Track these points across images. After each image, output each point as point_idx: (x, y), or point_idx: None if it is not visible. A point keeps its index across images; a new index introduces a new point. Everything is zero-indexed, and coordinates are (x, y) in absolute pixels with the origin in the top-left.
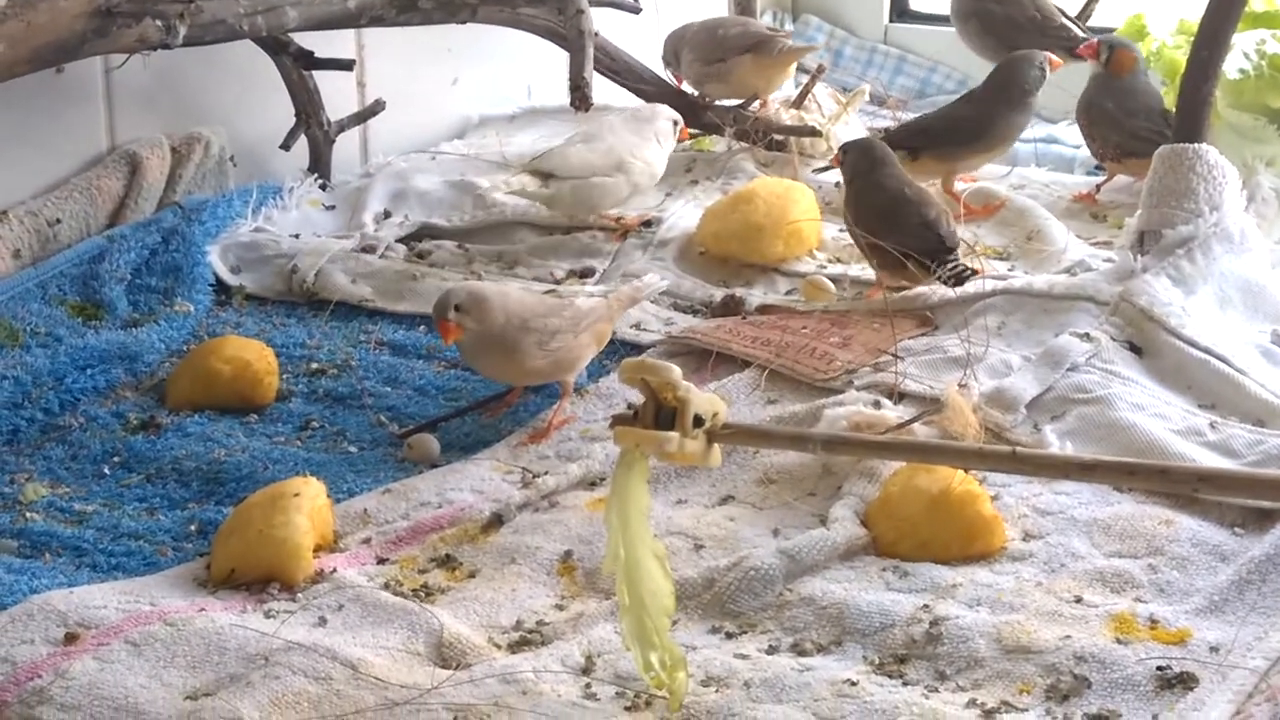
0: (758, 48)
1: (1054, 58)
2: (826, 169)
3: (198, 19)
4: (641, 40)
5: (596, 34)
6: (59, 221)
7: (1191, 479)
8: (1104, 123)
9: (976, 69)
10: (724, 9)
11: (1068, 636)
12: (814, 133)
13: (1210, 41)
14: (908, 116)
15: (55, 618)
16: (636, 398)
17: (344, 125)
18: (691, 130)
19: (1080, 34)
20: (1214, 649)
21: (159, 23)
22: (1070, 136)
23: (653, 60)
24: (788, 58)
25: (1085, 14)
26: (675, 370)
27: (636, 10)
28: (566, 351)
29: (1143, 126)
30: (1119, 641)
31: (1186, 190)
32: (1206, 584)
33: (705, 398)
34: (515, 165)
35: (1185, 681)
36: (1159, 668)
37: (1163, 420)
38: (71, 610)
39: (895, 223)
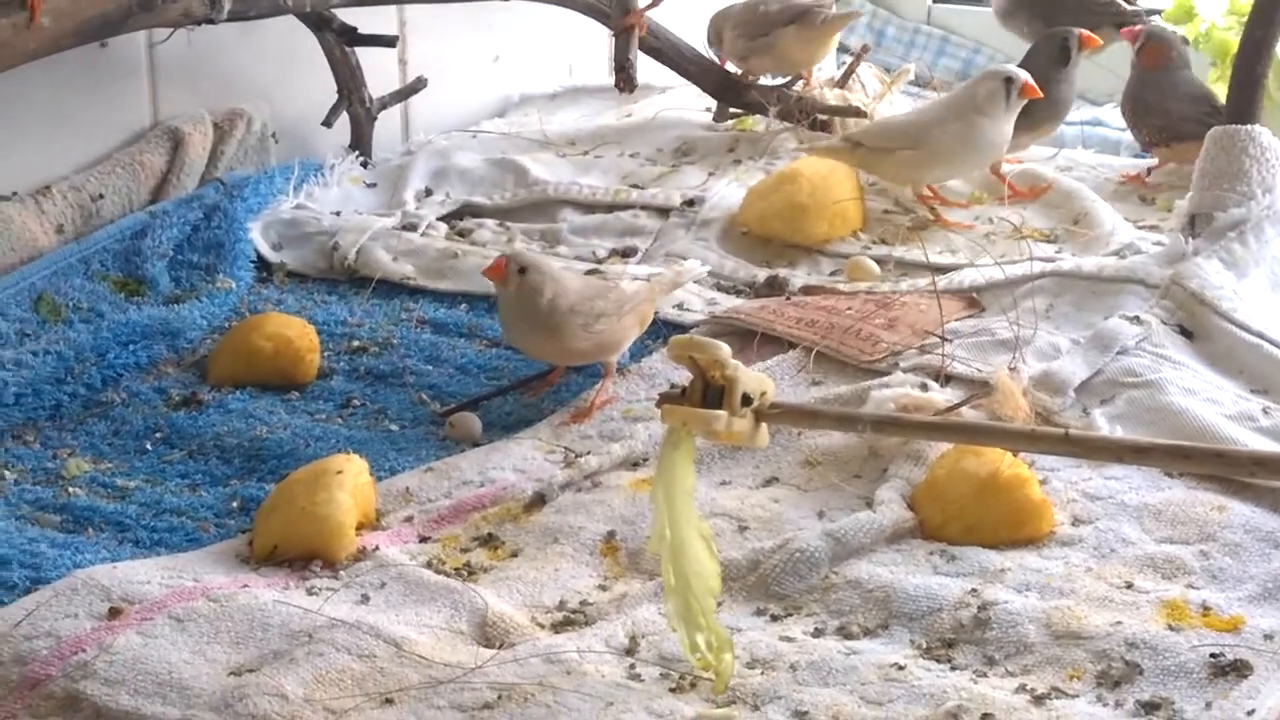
0: (801, 19)
1: (1089, 35)
2: None
3: None
4: (685, 18)
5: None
6: (102, 197)
7: (1247, 463)
8: (1147, 112)
9: (1020, 51)
10: None
11: (1119, 622)
12: (858, 113)
13: (1264, 21)
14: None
15: (99, 592)
16: (679, 378)
17: (386, 102)
18: (733, 109)
19: (1129, 8)
20: (1268, 637)
21: None
22: (1116, 119)
23: (697, 38)
24: (832, 27)
25: None
26: (724, 348)
27: None
28: (610, 334)
29: (1188, 110)
30: (1171, 628)
31: (1239, 172)
32: (1260, 571)
33: (754, 376)
34: (555, 143)
35: (1239, 669)
36: (1212, 655)
37: (1214, 405)
38: (115, 585)
39: None
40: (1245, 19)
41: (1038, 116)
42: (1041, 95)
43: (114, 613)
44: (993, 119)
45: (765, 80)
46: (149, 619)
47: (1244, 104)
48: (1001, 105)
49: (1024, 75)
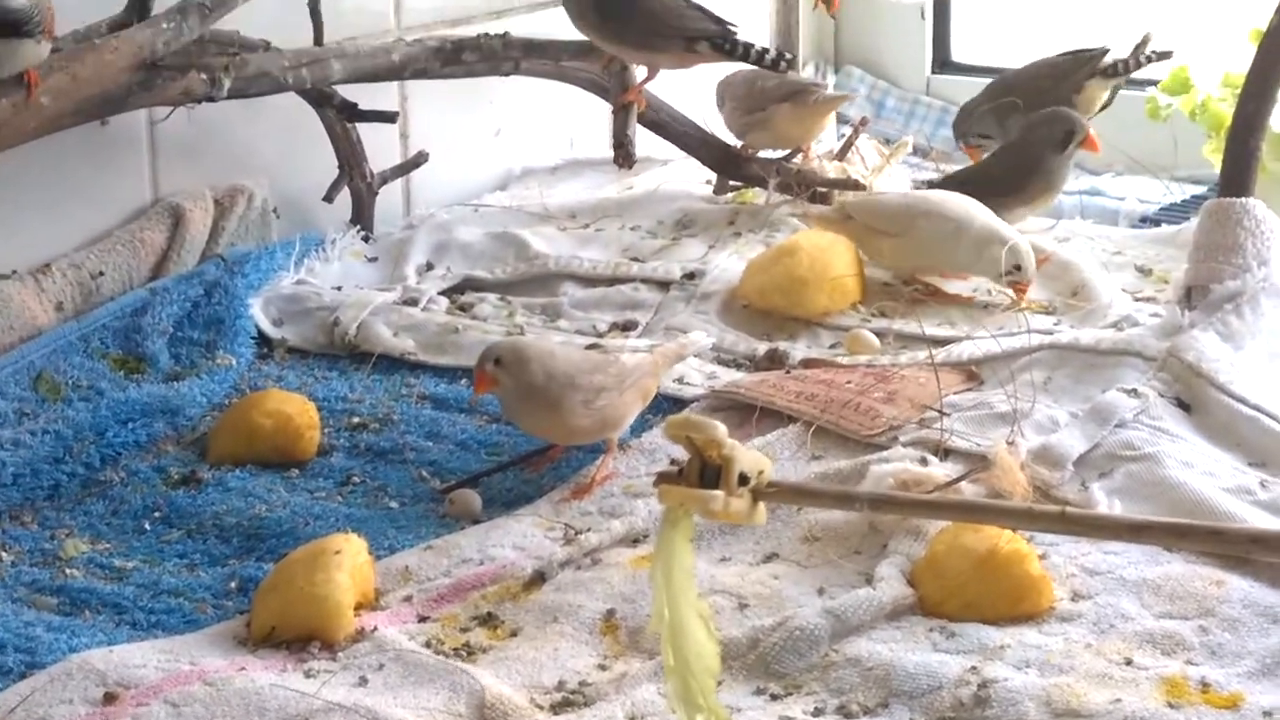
0: (795, 97)
1: (1094, 138)
2: None
3: (242, 71)
4: (686, 91)
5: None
6: (102, 274)
7: (1244, 541)
8: None
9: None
10: None
11: (1118, 700)
12: (857, 186)
13: (1257, 95)
14: (951, 168)
15: (95, 677)
16: (680, 453)
17: (387, 177)
18: (733, 182)
19: (1100, 49)
20: (1267, 714)
21: (204, 76)
22: (1114, 188)
23: (697, 112)
24: (825, 107)
25: (1135, 60)
26: (720, 428)
27: None
28: (612, 409)
29: None
30: (1170, 705)
31: (1234, 245)
32: (1259, 646)
33: (751, 455)
34: (556, 216)
35: None
36: None
37: (1212, 478)
38: (111, 669)
39: None
40: (1239, 92)
41: (1031, 191)
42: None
43: (109, 698)
44: (983, 268)
45: (764, 153)
46: (145, 704)
47: (1238, 176)
48: (997, 273)
49: (1030, 276)
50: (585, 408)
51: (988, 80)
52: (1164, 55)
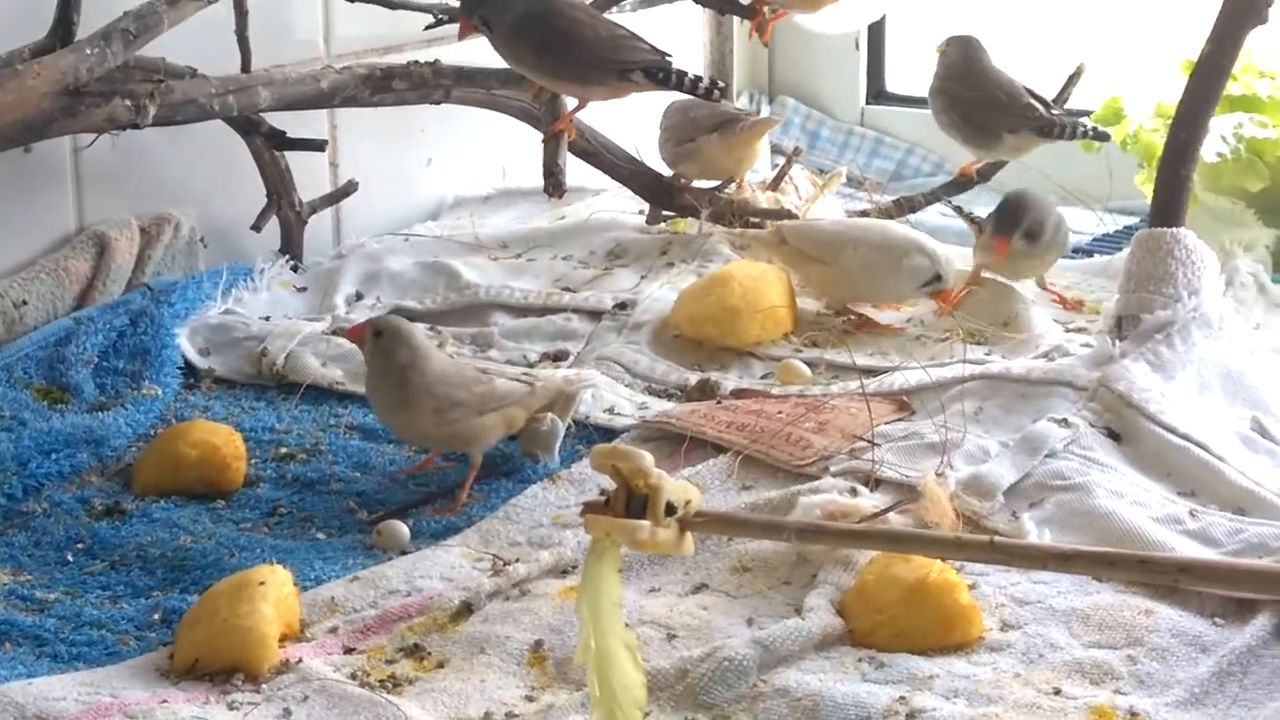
0: (723, 126)
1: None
2: None
3: (168, 98)
4: (618, 120)
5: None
6: (25, 303)
7: (1172, 569)
8: None
9: (954, 152)
10: None
11: None
12: (790, 215)
13: (1188, 124)
14: (884, 199)
15: (13, 710)
16: (610, 483)
17: (316, 206)
18: (666, 212)
19: (1049, 115)
20: None
21: (128, 102)
22: None
23: (628, 141)
24: (752, 134)
25: (1064, 96)
26: (647, 457)
27: None
28: (465, 427)
29: None
30: None
31: (1165, 275)
32: (1187, 675)
33: (678, 485)
34: (488, 246)
35: None
36: None
37: (1142, 508)
38: (30, 702)
39: None
40: (1170, 122)
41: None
42: (949, 313)
43: None
44: (903, 284)
45: (698, 183)
46: None
47: (1170, 206)
48: (916, 284)
49: (950, 283)
50: (435, 415)
51: (922, 111)
52: (1101, 135)
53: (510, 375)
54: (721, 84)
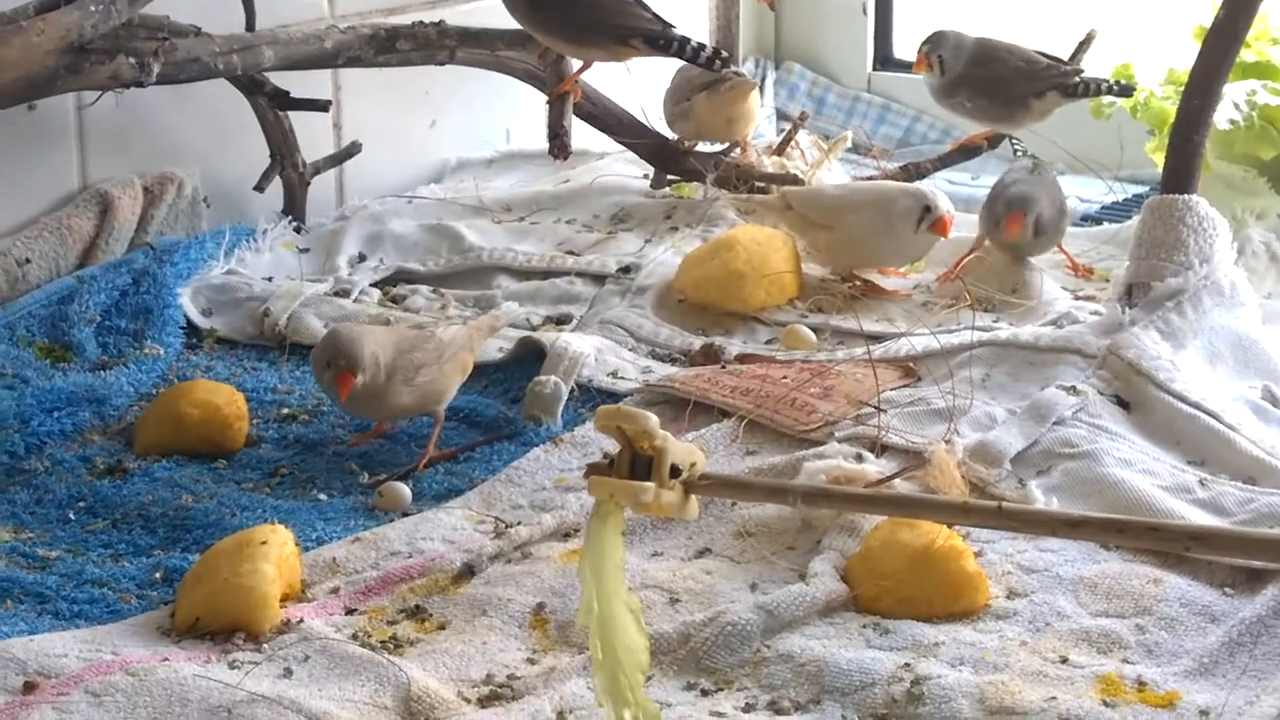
0: (711, 86)
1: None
2: None
3: (172, 57)
4: (623, 84)
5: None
6: (28, 261)
7: (1182, 537)
8: None
9: (960, 120)
10: None
11: (1053, 698)
12: (795, 180)
13: (1201, 91)
14: (891, 165)
15: (14, 666)
16: (613, 446)
17: (319, 167)
18: (671, 176)
19: (1071, 69)
20: (1204, 713)
21: (132, 60)
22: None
23: (633, 104)
24: (736, 94)
25: (1076, 59)
26: (652, 419)
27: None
28: (432, 384)
29: None
30: (1106, 704)
31: (1176, 242)
32: (1196, 645)
33: (683, 447)
34: (491, 209)
35: None
36: None
37: (1151, 477)
38: (31, 658)
39: None
40: (1183, 88)
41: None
42: (948, 236)
43: (29, 687)
44: (901, 233)
45: (702, 147)
46: (65, 694)
47: (1182, 173)
48: (911, 227)
49: (941, 209)
50: (406, 385)
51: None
52: (1126, 90)
53: (444, 323)
54: (725, 53)
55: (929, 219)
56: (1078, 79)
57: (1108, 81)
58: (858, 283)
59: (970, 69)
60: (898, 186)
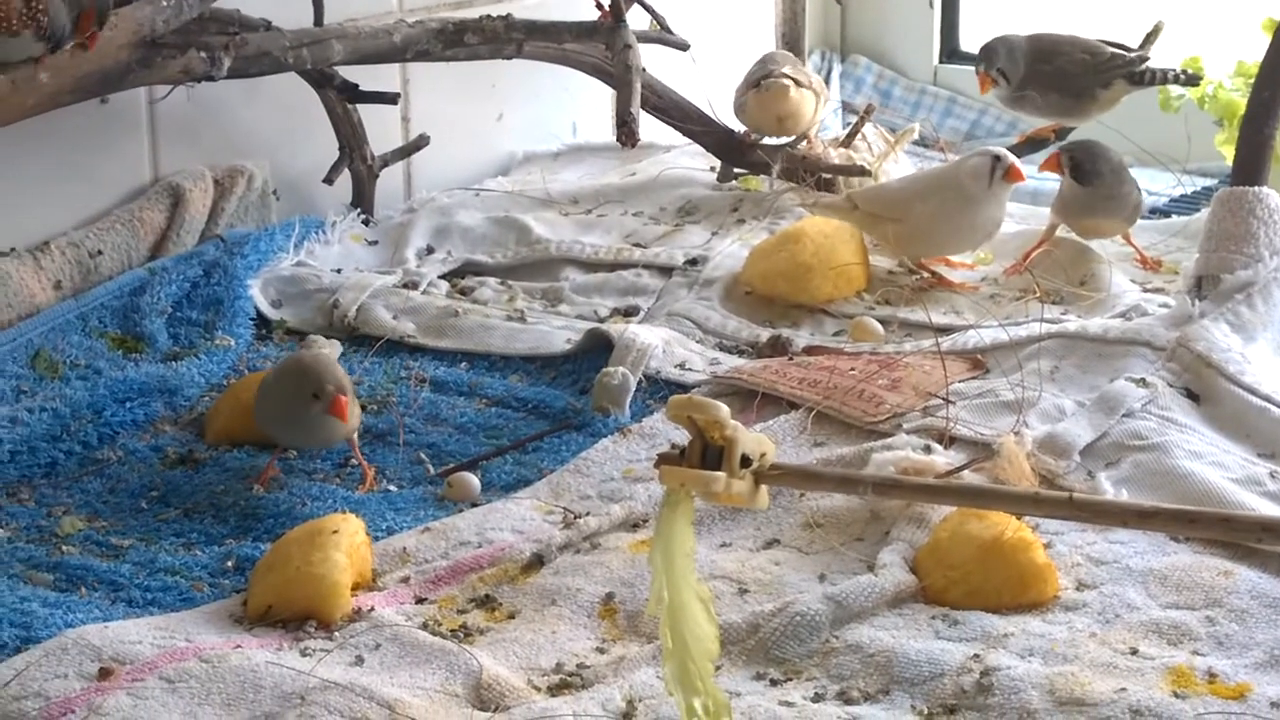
0: (758, 85)
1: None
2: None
3: (242, 51)
4: (690, 76)
5: (644, 70)
6: (100, 253)
7: (1255, 528)
8: None
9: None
10: (772, 46)
11: (1123, 689)
12: (862, 172)
13: (1271, 83)
14: (956, 158)
15: (90, 652)
16: (680, 438)
17: (388, 160)
18: (737, 169)
19: (1137, 56)
20: (1275, 705)
21: (204, 54)
22: None
23: (700, 97)
24: (776, 95)
25: (1143, 50)
26: (723, 408)
27: (684, 46)
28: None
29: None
30: (1176, 695)
31: (1246, 234)
32: (1266, 638)
33: (753, 437)
34: (558, 201)
35: None
36: None
37: (1220, 469)
38: (106, 645)
39: None
40: (1252, 80)
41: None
42: (1024, 180)
43: (104, 673)
44: (975, 199)
45: (769, 140)
46: (140, 680)
47: (1252, 165)
48: (985, 184)
49: (1010, 157)
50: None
51: None
52: (1192, 80)
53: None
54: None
55: (1000, 168)
56: (1144, 66)
57: (1173, 70)
58: (925, 274)
59: (1034, 67)
60: (955, 160)
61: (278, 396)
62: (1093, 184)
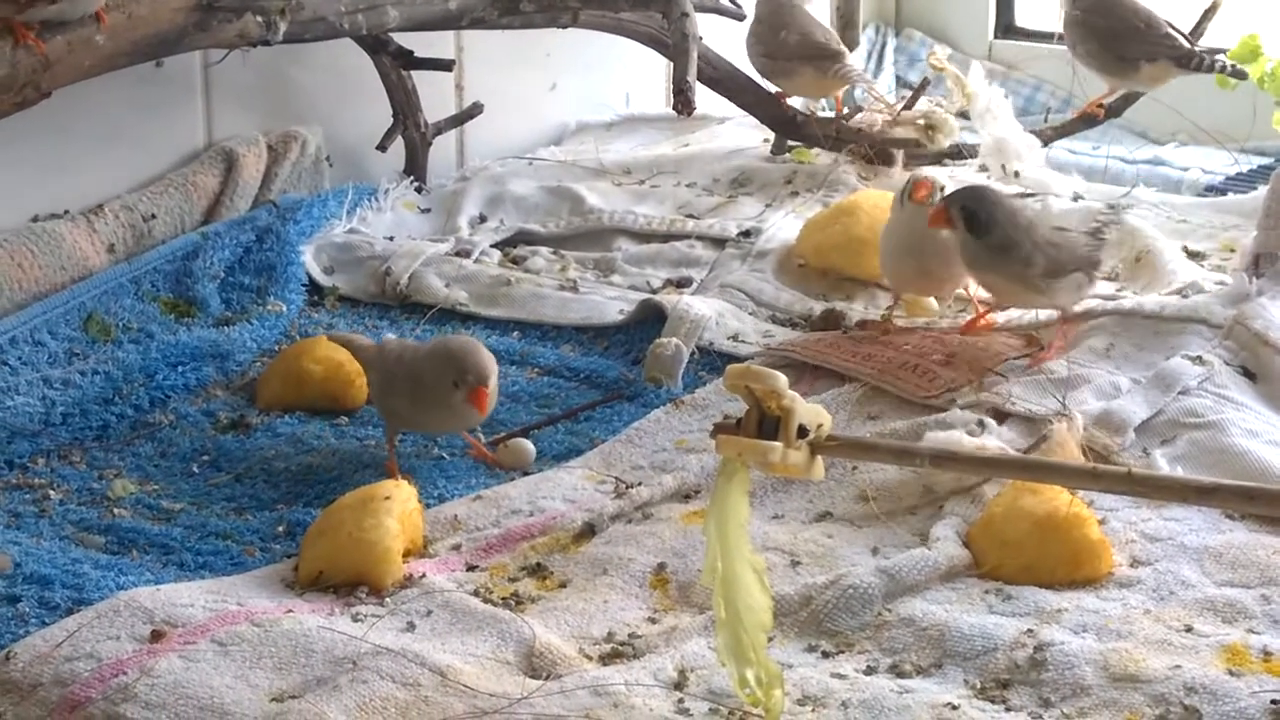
0: (817, 64)
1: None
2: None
3: (299, 16)
4: (742, 48)
5: (700, 38)
6: (154, 217)
7: None
8: None
9: (1080, 87)
10: (827, 19)
11: (1177, 666)
12: (916, 144)
13: None
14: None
15: (142, 614)
16: (733, 410)
17: (441, 128)
18: (791, 141)
19: (1186, 46)
20: None
21: (260, 18)
22: (1177, 158)
23: (752, 69)
24: (840, 81)
25: (1199, 30)
26: (781, 378)
27: (740, 16)
28: None
29: None
30: (1231, 673)
31: None
32: None
33: (810, 408)
34: (611, 171)
35: None
36: (1273, 701)
37: (1277, 447)
38: (158, 608)
39: None
40: None
41: None
42: (928, 201)
43: (156, 635)
44: (897, 220)
45: (822, 113)
46: (191, 642)
47: None
48: (898, 205)
49: (922, 177)
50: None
51: (1049, 46)
52: (1239, 73)
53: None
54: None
55: (905, 190)
56: (1193, 54)
57: (1222, 61)
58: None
59: (1088, 15)
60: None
61: (416, 376)
62: (989, 234)
